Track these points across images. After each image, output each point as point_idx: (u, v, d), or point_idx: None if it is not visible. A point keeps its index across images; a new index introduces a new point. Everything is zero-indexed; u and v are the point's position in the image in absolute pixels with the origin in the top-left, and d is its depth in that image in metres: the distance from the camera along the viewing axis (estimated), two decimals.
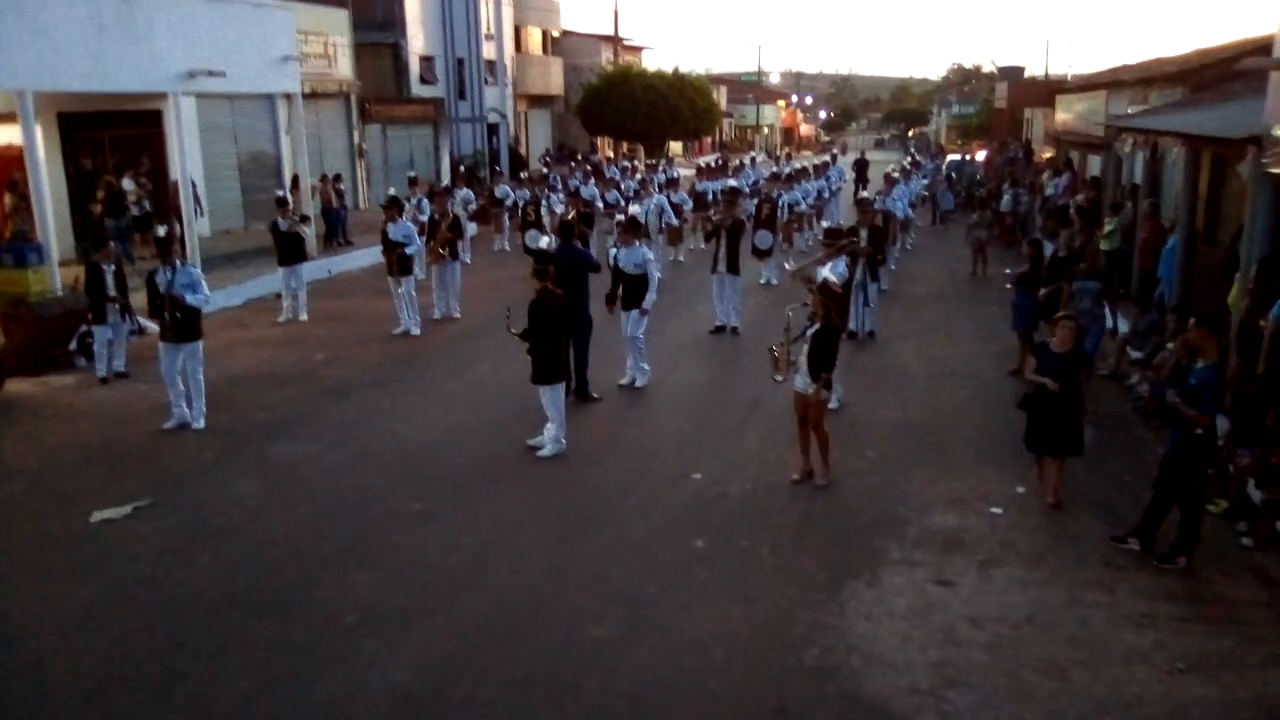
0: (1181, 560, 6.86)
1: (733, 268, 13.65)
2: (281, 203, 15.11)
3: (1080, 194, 18.79)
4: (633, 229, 11.20)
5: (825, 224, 12.01)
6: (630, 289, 10.85)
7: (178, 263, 10.04)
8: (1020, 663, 5.74)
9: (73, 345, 12.58)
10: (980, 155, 37.23)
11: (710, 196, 20.90)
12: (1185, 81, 16.49)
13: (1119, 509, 7.72)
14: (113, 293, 11.67)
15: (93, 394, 11.41)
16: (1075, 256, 11.37)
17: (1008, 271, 12.70)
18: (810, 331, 8.15)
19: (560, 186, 23.15)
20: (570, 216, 11.78)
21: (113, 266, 11.74)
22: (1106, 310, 11.03)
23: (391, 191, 14.33)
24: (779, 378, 8.63)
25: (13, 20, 13.75)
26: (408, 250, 13.91)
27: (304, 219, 15.14)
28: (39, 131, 14.58)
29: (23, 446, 9.69)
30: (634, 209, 11.43)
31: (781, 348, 8.52)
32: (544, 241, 11.40)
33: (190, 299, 9.82)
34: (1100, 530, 7.42)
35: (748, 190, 22.20)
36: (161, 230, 10.92)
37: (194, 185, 18.41)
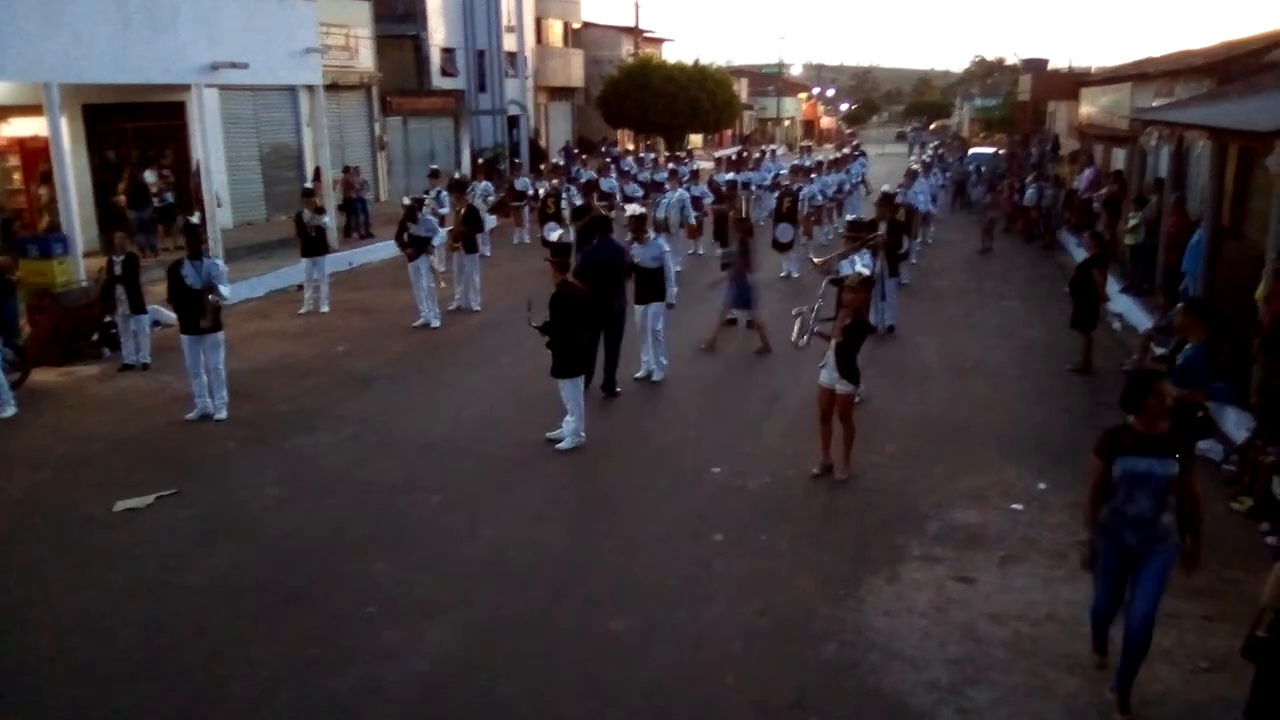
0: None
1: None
2: (307, 194, 15.19)
3: (1104, 188, 18.63)
4: (639, 225, 11.21)
5: (849, 217, 11.93)
6: (647, 282, 10.85)
7: (205, 254, 10.12)
8: (1041, 660, 5.71)
9: (96, 336, 12.70)
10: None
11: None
12: (1212, 74, 16.27)
13: None
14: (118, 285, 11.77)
15: (116, 384, 11.52)
16: (1102, 258, 11.05)
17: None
18: (844, 325, 8.11)
19: (581, 179, 23.17)
20: (595, 214, 11.85)
21: (120, 257, 11.80)
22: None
23: (406, 200, 14.44)
24: (801, 342, 8.72)
25: (39, 13, 13.89)
26: (434, 242, 14.00)
27: (319, 210, 15.23)
28: (64, 123, 14.72)
29: (48, 436, 9.80)
30: (635, 208, 11.48)
31: (809, 313, 8.57)
32: (556, 234, 11.42)
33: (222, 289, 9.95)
34: None
35: (769, 183, 22.10)
36: (194, 218, 10.98)
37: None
